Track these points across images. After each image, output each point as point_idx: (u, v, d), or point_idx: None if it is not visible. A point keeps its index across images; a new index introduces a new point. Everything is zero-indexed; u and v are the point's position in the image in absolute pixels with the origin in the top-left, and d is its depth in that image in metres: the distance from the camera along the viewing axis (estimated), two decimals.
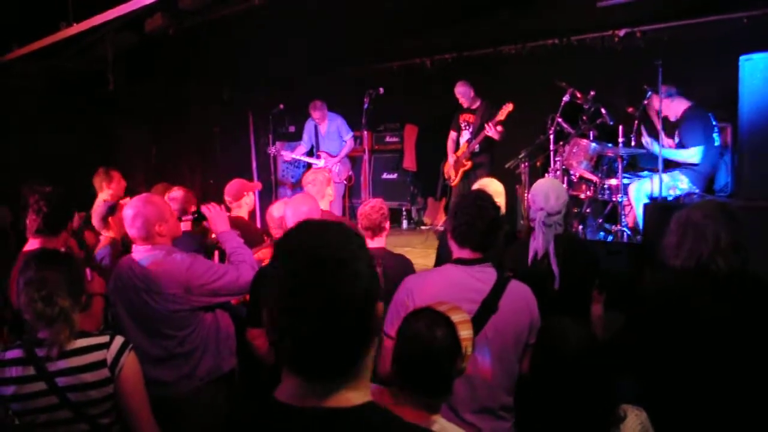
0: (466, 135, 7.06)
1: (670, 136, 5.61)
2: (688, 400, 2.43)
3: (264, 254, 3.88)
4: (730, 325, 2.41)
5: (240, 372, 3.38)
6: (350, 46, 7.87)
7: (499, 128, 6.63)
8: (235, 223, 4.59)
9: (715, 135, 5.50)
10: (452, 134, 7.26)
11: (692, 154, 5.41)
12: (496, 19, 7.08)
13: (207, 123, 8.28)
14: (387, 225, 3.69)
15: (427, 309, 1.96)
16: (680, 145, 5.54)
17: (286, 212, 3.76)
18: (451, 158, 7.22)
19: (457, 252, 2.66)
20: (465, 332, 1.91)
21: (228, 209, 4.79)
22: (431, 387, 1.87)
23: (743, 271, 2.47)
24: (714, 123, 5.51)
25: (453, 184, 7.12)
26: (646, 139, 5.64)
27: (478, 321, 2.39)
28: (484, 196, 2.71)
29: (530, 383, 2.22)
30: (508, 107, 6.55)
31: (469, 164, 6.95)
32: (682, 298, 2.54)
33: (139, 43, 6.03)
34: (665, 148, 5.31)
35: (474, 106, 7.08)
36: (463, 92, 7.08)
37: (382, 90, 6.94)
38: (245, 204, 4.64)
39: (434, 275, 2.72)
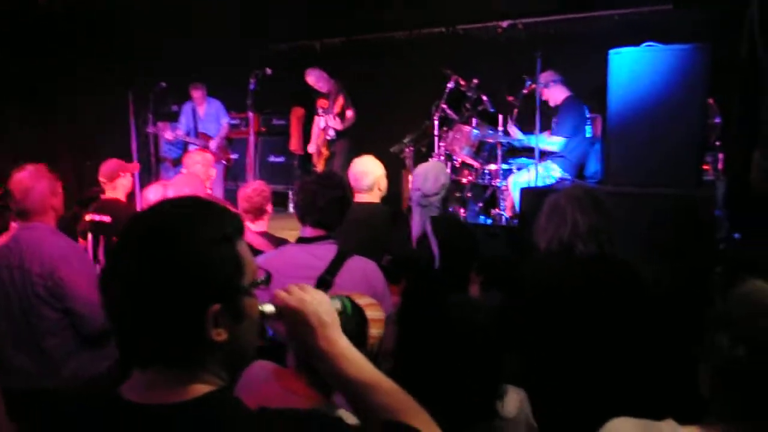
0: (322, 122, 7.08)
1: (549, 125, 5.90)
2: (557, 378, 2.57)
3: None
4: (587, 305, 2.57)
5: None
6: (237, 26, 7.68)
7: (339, 122, 6.73)
8: (110, 205, 4.41)
9: (587, 127, 5.82)
10: (316, 119, 7.27)
11: (554, 143, 5.65)
12: (385, 5, 7.15)
13: (84, 101, 7.81)
14: (269, 208, 3.65)
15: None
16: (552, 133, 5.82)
17: (168, 192, 3.63)
18: (311, 146, 7.25)
19: (301, 230, 2.67)
20: (375, 331, 1.89)
21: (102, 191, 4.58)
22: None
23: (602, 255, 2.63)
24: (587, 115, 5.83)
25: (318, 170, 7.14)
26: (511, 128, 5.90)
27: None
28: (330, 175, 2.75)
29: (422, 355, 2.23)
30: (340, 98, 6.71)
31: (326, 152, 6.99)
32: (544, 279, 2.68)
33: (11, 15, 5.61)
34: (532, 136, 5.59)
35: (330, 90, 7.08)
36: (313, 81, 7.12)
37: (269, 71, 6.81)
38: (121, 185, 4.47)
39: (276, 255, 2.73)
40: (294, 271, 2.48)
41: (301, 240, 2.66)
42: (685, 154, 3.90)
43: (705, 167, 5.09)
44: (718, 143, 5.75)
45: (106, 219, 4.29)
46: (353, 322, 1.65)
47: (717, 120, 5.74)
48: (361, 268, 2.60)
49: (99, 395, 1.12)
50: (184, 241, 1.05)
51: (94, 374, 2.93)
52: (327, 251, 2.58)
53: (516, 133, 5.82)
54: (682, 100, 3.86)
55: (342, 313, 1.47)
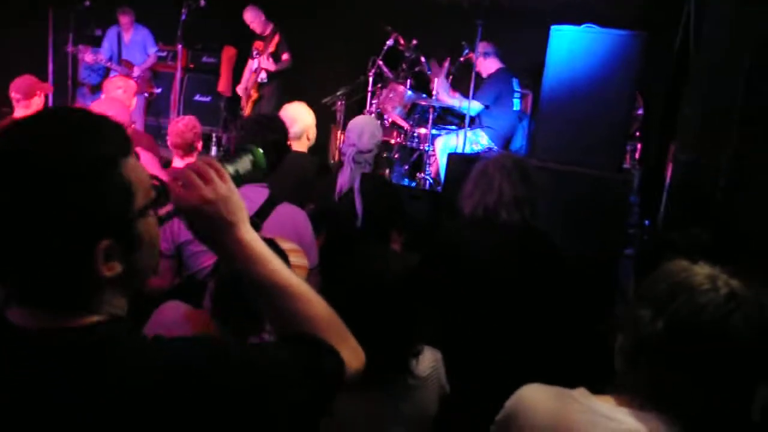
0: (255, 64, 6.89)
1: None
2: (472, 342, 2.62)
3: None
4: (506, 271, 2.62)
5: None
6: None
7: (272, 63, 6.60)
8: None
9: (515, 100, 5.89)
10: (249, 62, 7.06)
11: (473, 108, 5.64)
12: None
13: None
14: (199, 145, 3.56)
15: (268, 239, 1.87)
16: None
17: None
18: (240, 88, 7.08)
19: None
20: (298, 260, 1.86)
21: (11, 110, 4.29)
22: (240, 324, 1.80)
23: (525, 224, 2.68)
24: (516, 89, 5.89)
25: (245, 113, 6.98)
26: (442, 87, 5.90)
27: None
28: (270, 117, 2.67)
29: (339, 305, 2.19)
30: (275, 39, 6.58)
31: (255, 95, 6.84)
32: (464, 244, 2.72)
33: None
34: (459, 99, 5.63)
35: (266, 32, 6.90)
36: (250, 18, 6.89)
37: (203, 2, 6.52)
38: (35, 104, 4.18)
39: None
40: None
41: None
42: (610, 138, 4.01)
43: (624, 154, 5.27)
44: (638, 134, 5.98)
45: None
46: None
47: (640, 111, 5.96)
48: (290, 215, 2.58)
49: None
50: (57, 171, 0.88)
51: None
52: (258, 194, 2.54)
53: (445, 92, 5.82)
54: (613, 86, 3.94)
55: (256, 165, 1.33)
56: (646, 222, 4.78)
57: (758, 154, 3.02)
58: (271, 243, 1.66)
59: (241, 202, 1.18)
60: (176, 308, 1.74)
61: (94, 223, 0.91)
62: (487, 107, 5.75)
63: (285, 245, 1.77)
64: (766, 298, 1.23)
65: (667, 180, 3.92)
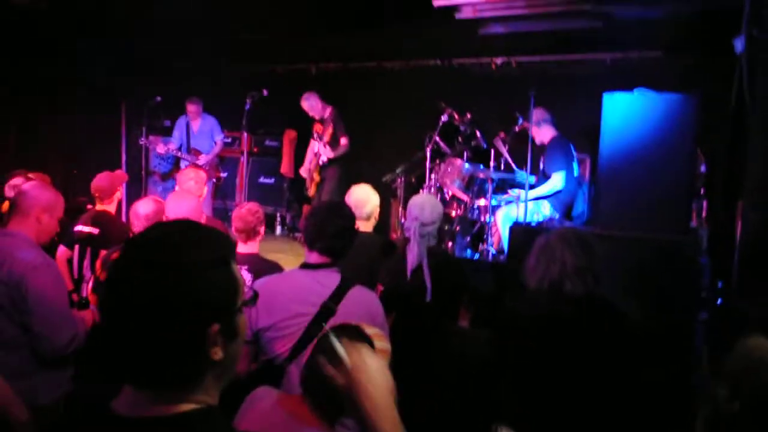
0: (316, 146, 7.07)
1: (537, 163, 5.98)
2: (549, 416, 2.60)
3: None
4: (574, 344, 2.61)
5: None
6: (236, 45, 7.74)
7: (329, 150, 6.79)
8: (99, 216, 4.39)
9: (574, 164, 5.91)
10: (311, 143, 7.27)
11: (554, 183, 5.72)
12: (382, 34, 7.25)
13: (76, 108, 7.80)
14: (262, 229, 3.67)
15: (353, 327, 1.94)
16: (543, 175, 5.90)
17: (167, 207, 3.61)
18: (303, 169, 7.28)
19: (306, 256, 2.69)
20: (383, 345, 1.90)
21: (90, 202, 4.55)
22: (329, 409, 1.84)
23: (590, 294, 2.68)
24: (574, 153, 5.92)
25: (310, 194, 7.16)
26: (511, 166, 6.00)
27: (316, 324, 2.44)
28: (339, 204, 2.78)
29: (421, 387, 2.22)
30: (330, 129, 6.78)
31: (317, 177, 7.02)
32: (532, 318, 2.72)
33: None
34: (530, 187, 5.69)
35: (325, 116, 7.08)
36: (309, 107, 7.09)
37: (266, 92, 6.87)
38: (115, 199, 4.45)
39: (279, 279, 2.74)
40: (300, 297, 2.52)
41: (306, 266, 2.67)
42: (674, 200, 3.98)
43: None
44: (702, 191, 5.88)
45: (95, 231, 4.27)
46: None
47: (702, 168, 5.88)
48: (363, 298, 2.63)
49: (89, 409, 1.15)
50: (186, 265, 1.08)
51: (49, 399, 2.77)
52: (331, 279, 2.60)
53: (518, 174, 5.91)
54: (671, 147, 3.95)
55: None
56: (719, 283, 4.65)
57: None
58: (357, 330, 1.73)
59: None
60: (269, 393, 1.81)
61: (210, 309, 1.10)
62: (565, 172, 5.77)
63: (369, 330, 1.82)
64: None
65: (738, 238, 3.84)
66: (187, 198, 3.66)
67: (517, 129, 6.04)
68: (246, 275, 3.39)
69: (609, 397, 2.59)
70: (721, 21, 4.65)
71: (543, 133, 5.91)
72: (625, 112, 4.05)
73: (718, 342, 3.15)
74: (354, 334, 1.70)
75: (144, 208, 3.72)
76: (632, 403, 2.64)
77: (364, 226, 3.80)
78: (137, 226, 3.71)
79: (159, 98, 7.44)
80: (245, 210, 3.61)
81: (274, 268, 3.52)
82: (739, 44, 3.82)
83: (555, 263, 2.70)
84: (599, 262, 2.74)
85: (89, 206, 4.65)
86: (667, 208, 3.94)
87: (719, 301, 4.46)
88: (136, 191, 7.24)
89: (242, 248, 3.60)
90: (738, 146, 4.61)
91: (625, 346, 2.69)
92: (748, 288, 3.25)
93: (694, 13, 5.44)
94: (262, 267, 3.47)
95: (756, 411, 1.19)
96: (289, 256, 6.93)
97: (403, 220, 3.48)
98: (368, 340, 1.72)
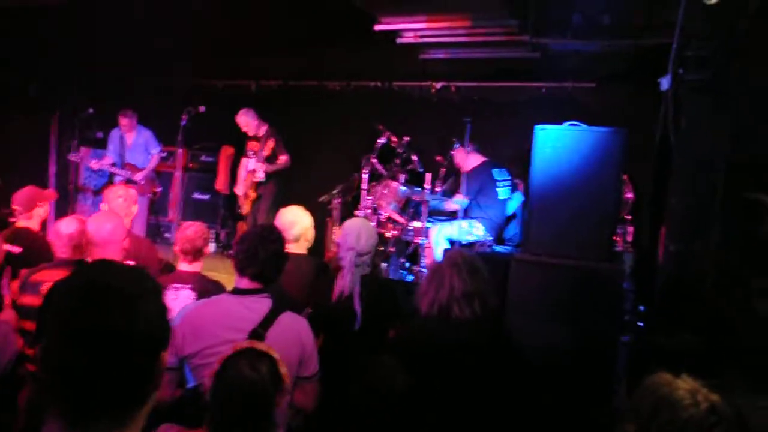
0: (252, 164, 7.01)
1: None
2: None
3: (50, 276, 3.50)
4: (461, 368, 2.67)
5: None
6: (175, 58, 7.62)
7: (266, 166, 6.77)
8: (22, 234, 4.23)
9: (502, 189, 6.03)
10: (243, 161, 7.20)
11: (457, 202, 5.90)
12: (324, 54, 7.27)
13: (5, 117, 7.52)
14: (206, 250, 3.65)
15: (249, 348, 1.96)
16: (473, 199, 6.03)
17: (88, 228, 3.50)
18: (238, 188, 7.20)
19: (237, 281, 2.69)
20: (285, 369, 1.93)
21: (13, 216, 4.39)
22: (255, 425, 1.86)
23: (478, 318, 2.76)
24: (502, 178, 6.04)
25: (243, 212, 7.09)
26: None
27: None
28: (270, 228, 2.78)
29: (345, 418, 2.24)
30: (271, 142, 6.76)
31: (253, 195, 6.98)
32: (422, 343, 2.78)
33: None
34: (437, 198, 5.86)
35: (260, 134, 7.06)
36: (244, 122, 7.06)
37: (203, 108, 6.79)
38: (37, 215, 4.30)
39: (207, 304, 2.71)
40: (228, 323, 2.51)
41: (236, 291, 2.66)
42: (599, 229, 4.10)
43: (615, 238, 5.37)
44: (628, 217, 6.11)
45: (16, 249, 4.09)
46: None
47: (629, 195, 6.11)
48: (293, 324, 2.63)
49: None
50: (147, 311, 1.11)
51: None
52: (261, 305, 2.60)
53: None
54: (598, 178, 4.08)
55: None
56: (641, 308, 4.83)
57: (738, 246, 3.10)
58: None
59: None
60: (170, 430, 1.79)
61: (160, 343, 1.13)
62: (472, 200, 5.92)
63: (276, 354, 1.86)
64: (746, 409, 1.28)
65: (659, 265, 3.99)
66: (109, 219, 3.55)
67: (453, 153, 6.15)
68: (190, 294, 3.38)
69: (500, 423, 2.65)
70: (651, 58, 4.86)
71: (471, 160, 6.04)
72: (555, 144, 4.15)
73: (636, 365, 3.27)
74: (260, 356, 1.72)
75: (66, 227, 3.58)
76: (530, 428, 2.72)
77: (295, 248, 3.80)
78: (59, 245, 3.58)
79: (91, 110, 7.25)
80: (191, 231, 3.56)
81: (218, 287, 3.48)
82: (665, 82, 3.99)
83: (443, 288, 2.78)
84: (488, 286, 2.85)
85: (11, 219, 4.47)
86: (592, 236, 4.06)
87: (641, 324, 4.63)
88: (64, 206, 7.02)
89: (186, 267, 3.56)
90: (662, 177, 4.82)
91: (511, 369, 2.77)
92: (666, 316, 3.38)
93: (626, 48, 5.67)
94: (206, 286, 3.44)
95: None
96: (223, 274, 6.82)
97: (338, 249, 3.48)
98: (274, 362, 1.76)
